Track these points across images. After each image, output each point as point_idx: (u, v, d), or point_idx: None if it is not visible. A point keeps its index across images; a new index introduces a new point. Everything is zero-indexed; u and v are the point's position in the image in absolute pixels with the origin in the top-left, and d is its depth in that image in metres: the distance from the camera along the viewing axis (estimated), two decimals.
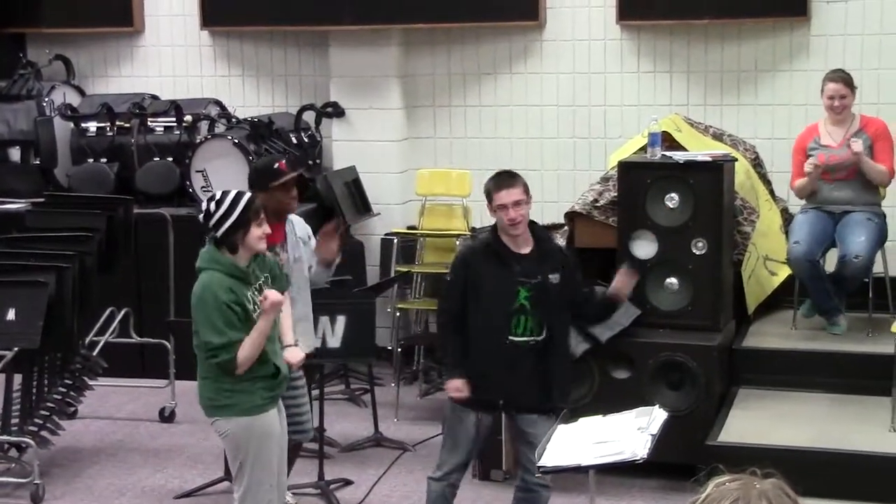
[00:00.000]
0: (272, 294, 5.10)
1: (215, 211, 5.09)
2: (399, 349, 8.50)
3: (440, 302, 5.79)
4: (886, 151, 7.09)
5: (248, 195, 5.23)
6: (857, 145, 6.95)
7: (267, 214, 6.12)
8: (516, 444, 5.65)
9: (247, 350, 5.06)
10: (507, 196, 5.42)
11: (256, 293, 5.14)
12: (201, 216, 5.21)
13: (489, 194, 5.48)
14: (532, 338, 5.46)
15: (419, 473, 6.81)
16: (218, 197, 5.15)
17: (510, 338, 5.44)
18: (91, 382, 7.34)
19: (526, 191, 5.51)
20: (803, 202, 7.37)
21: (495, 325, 5.44)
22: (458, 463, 5.59)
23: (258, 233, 5.16)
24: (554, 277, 5.46)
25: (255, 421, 5.17)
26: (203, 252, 5.17)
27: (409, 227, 8.84)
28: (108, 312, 7.72)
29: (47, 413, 7.00)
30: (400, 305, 8.55)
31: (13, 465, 6.89)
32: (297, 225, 6.19)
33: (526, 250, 5.47)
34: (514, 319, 5.43)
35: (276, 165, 6.12)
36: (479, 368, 5.44)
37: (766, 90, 8.59)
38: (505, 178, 5.54)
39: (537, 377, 5.48)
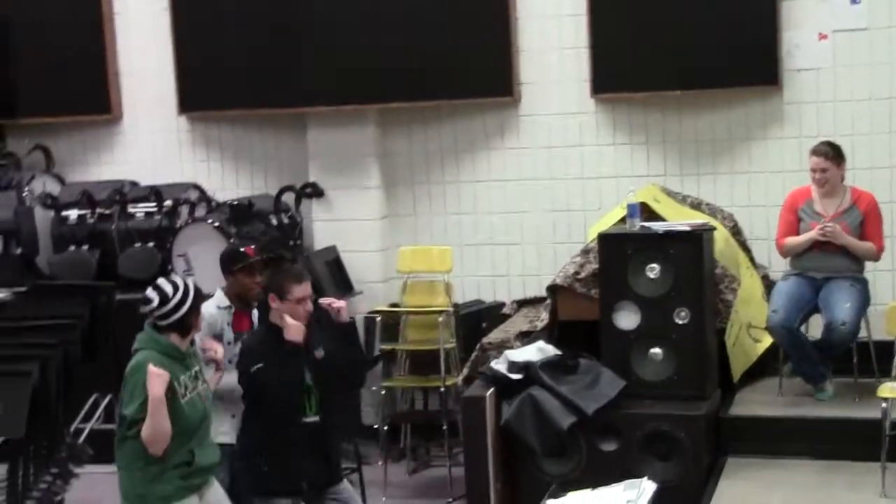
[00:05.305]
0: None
1: (173, 295, 5.24)
2: (385, 427, 8.46)
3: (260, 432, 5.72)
4: (876, 228, 7.15)
5: (190, 279, 5.43)
6: (834, 237, 7.01)
7: (231, 299, 6.27)
8: None
9: (147, 426, 5.09)
10: (306, 290, 5.67)
11: (191, 380, 5.28)
12: (155, 303, 5.27)
13: (284, 287, 5.64)
14: (316, 417, 5.66)
15: None
16: (170, 283, 5.30)
17: (303, 419, 5.62)
18: (77, 470, 7.26)
19: None
20: (785, 268, 7.42)
21: (290, 409, 5.59)
22: None
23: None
24: (319, 353, 5.67)
25: None
26: (140, 335, 5.31)
27: (391, 305, 8.85)
28: (92, 399, 7.68)
29: (34, 503, 6.92)
30: (385, 383, 8.52)
31: None
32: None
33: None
34: (304, 401, 5.61)
35: (243, 249, 6.38)
36: (282, 455, 5.58)
37: (742, 158, 8.67)
38: (300, 273, 5.80)
39: (324, 452, 5.70)
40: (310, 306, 5.67)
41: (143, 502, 5.21)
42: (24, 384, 6.62)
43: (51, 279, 8.84)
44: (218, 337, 6.28)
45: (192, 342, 5.50)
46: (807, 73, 8.46)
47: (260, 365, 5.53)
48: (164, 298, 5.23)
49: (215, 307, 6.35)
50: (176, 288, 5.26)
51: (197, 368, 5.39)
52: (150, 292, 5.28)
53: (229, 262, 6.39)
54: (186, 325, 5.27)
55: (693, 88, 8.58)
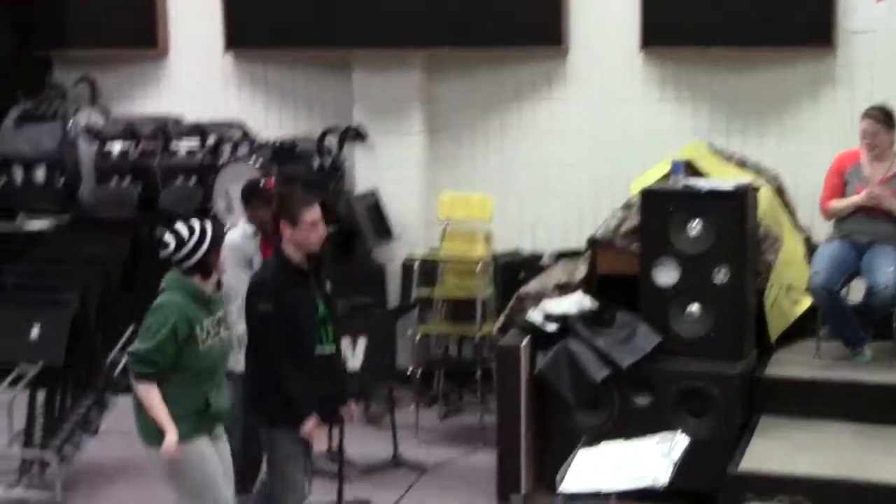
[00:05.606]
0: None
1: (189, 238, 5.22)
2: (419, 372, 8.49)
3: (272, 366, 5.46)
4: None
5: (206, 220, 5.40)
6: (880, 201, 6.97)
7: (258, 226, 6.37)
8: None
9: (154, 403, 5.16)
10: (317, 212, 5.47)
11: (213, 325, 5.27)
12: (172, 246, 5.25)
13: (294, 213, 5.42)
14: (331, 347, 5.58)
15: (438, 495, 6.81)
16: (186, 226, 5.27)
17: (318, 350, 5.51)
18: (114, 399, 7.35)
19: None
20: (828, 232, 7.36)
21: (310, 341, 5.48)
22: (303, 497, 5.59)
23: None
24: (329, 285, 5.62)
25: (185, 448, 5.21)
26: (168, 275, 5.31)
27: (430, 249, 8.85)
28: (130, 330, 7.73)
29: (70, 429, 7.02)
30: (421, 329, 8.53)
31: (36, 481, 6.91)
32: None
33: (306, 265, 5.54)
34: (320, 332, 5.51)
35: (263, 182, 6.52)
36: (292, 386, 5.43)
37: (791, 119, 8.57)
38: (309, 196, 5.57)
39: (334, 383, 5.60)
40: (323, 230, 5.49)
41: (158, 441, 5.21)
42: (65, 313, 6.71)
43: (92, 211, 8.91)
44: (248, 264, 6.34)
45: (219, 285, 5.48)
46: (862, 35, 8.33)
47: (268, 306, 5.39)
48: (181, 242, 5.23)
49: (240, 236, 6.43)
50: (192, 231, 5.25)
51: (221, 314, 5.38)
52: (167, 236, 5.28)
53: (249, 194, 6.53)
54: (206, 266, 5.26)
55: (744, 46, 8.48)
